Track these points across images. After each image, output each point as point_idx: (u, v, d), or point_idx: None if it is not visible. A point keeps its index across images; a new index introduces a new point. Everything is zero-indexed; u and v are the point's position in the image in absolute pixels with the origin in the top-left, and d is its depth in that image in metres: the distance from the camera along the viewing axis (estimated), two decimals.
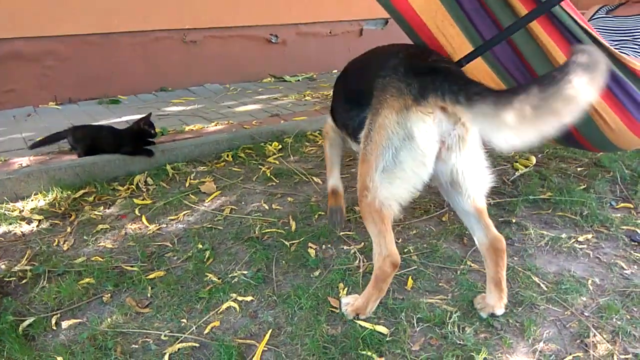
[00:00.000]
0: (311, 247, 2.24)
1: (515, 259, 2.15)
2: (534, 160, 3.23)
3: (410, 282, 1.96)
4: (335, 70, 6.09)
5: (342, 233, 2.36)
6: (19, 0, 3.90)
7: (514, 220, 2.45)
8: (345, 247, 2.24)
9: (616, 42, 2.57)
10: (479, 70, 2.01)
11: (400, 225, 2.43)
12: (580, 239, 2.29)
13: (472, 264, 2.10)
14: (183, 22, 4.80)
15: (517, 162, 3.22)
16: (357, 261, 2.11)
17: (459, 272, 2.05)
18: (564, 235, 2.31)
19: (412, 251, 2.19)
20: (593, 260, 2.13)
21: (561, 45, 1.73)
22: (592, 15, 2.92)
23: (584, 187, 2.84)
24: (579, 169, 3.12)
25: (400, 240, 2.31)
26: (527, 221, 2.47)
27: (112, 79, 4.53)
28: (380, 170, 1.59)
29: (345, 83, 2.12)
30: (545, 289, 1.92)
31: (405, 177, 1.58)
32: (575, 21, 1.63)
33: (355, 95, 1.86)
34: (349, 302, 1.81)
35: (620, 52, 1.80)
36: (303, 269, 2.09)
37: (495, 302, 1.75)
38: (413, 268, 2.06)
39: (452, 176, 1.65)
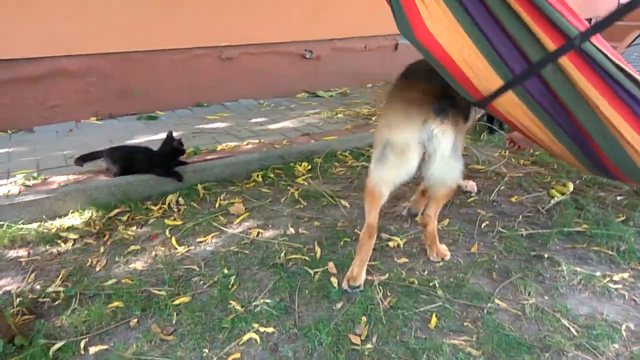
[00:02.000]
0: (334, 277, 2.23)
1: (546, 297, 2.08)
2: (571, 187, 3.12)
3: (434, 320, 1.93)
4: (370, 85, 6.08)
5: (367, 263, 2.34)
6: (62, 20, 4.07)
7: (546, 255, 2.37)
8: (369, 278, 2.22)
9: None
10: (511, 104, 1.96)
11: (427, 256, 2.40)
12: (616, 277, 2.19)
13: (500, 302, 2.04)
14: (220, 40, 4.91)
15: (553, 188, 3.12)
16: (381, 294, 2.09)
17: (485, 310, 1.99)
18: (598, 273, 2.21)
19: (437, 285, 2.15)
20: (628, 303, 2.04)
21: (593, 81, 1.67)
22: (633, 41, 2.81)
23: (622, 218, 2.72)
24: (618, 197, 3.00)
25: (426, 272, 2.27)
26: (560, 256, 2.38)
27: (151, 95, 4.67)
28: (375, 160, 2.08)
29: None
30: (575, 333, 1.85)
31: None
32: (607, 56, 1.57)
33: None
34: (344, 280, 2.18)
35: None
36: (325, 300, 2.08)
37: (429, 254, 2.39)
38: (438, 304, 2.03)
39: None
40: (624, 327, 1.88)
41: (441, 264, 2.33)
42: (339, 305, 2.05)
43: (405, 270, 2.28)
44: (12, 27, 3.90)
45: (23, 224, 2.67)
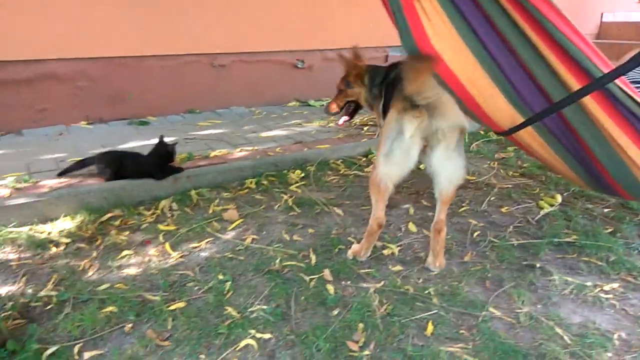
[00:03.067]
0: (329, 284, 2.24)
1: (539, 306, 2.11)
2: (559, 198, 3.18)
3: (430, 327, 1.94)
4: None
5: (362, 270, 2.35)
6: (53, 22, 4.05)
7: (538, 265, 2.41)
8: (364, 285, 2.23)
9: None
10: (530, 138, 2.00)
11: (421, 264, 2.42)
12: (606, 287, 2.24)
13: (495, 311, 2.06)
14: (213, 47, 4.92)
15: (542, 200, 3.18)
16: (377, 301, 2.10)
17: (480, 319, 2.01)
18: (589, 283, 2.26)
19: (432, 293, 2.17)
20: (619, 312, 2.08)
21: (615, 119, 1.71)
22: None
23: (610, 230, 2.78)
24: (605, 210, 3.07)
25: (420, 280, 2.29)
26: (551, 266, 2.42)
27: (142, 100, 4.65)
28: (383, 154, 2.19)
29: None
30: (569, 342, 1.88)
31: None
32: (629, 95, 1.61)
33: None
34: (351, 251, 2.47)
35: None
36: (322, 307, 2.09)
37: (434, 260, 2.39)
38: (433, 312, 2.04)
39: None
40: (615, 336, 1.92)
41: (436, 272, 2.36)
42: (335, 312, 2.05)
43: (400, 277, 2.30)
44: (2, 29, 3.86)
45: (13, 227, 2.63)
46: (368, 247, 2.43)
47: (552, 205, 3.11)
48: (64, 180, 3.00)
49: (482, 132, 4.61)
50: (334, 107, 3.18)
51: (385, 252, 2.53)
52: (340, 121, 3.26)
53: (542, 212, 3.01)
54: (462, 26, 1.62)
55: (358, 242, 2.59)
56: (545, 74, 1.69)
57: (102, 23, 4.25)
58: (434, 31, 1.65)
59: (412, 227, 2.81)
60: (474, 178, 3.57)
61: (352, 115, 3.25)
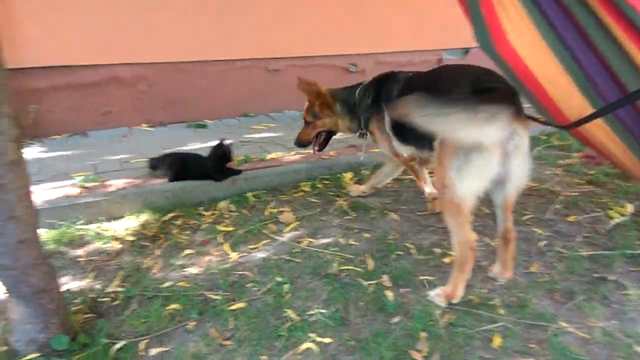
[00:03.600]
0: (388, 290, 2.20)
1: (614, 322, 1.99)
2: (630, 208, 3.00)
3: (497, 339, 1.86)
4: None
5: (422, 277, 2.30)
6: (118, 30, 4.22)
7: (611, 278, 2.27)
8: (425, 293, 2.18)
9: None
10: (599, 129, 1.89)
11: (483, 273, 2.33)
12: None
13: (565, 325, 1.96)
14: (267, 52, 4.99)
15: (611, 209, 3.01)
16: (439, 310, 2.04)
17: (550, 332, 1.92)
18: None
19: (498, 304, 2.08)
20: None
21: None
22: None
23: None
24: None
25: (484, 290, 2.21)
26: (625, 279, 2.28)
27: (199, 104, 4.77)
28: (456, 169, 1.94)
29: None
30: None
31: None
32: None
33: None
34: (438, 293, 2.10)
35: None
36: (381, 313, 2.05)
37: (503, 271, 2.26)
38: (500, 324, 1.96)
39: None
40: None
41: (501, 282, 2.26)
42: (395, 319, 2.01)
43: None
44: (72, 35, 4.07)
45: (82, 224, 2.75)
46: (463, 282, 2.05)
47: (622, 215, 2.93)
48: (129, 180, 3.11)
49: (543, 137, 4.43)
50: (304, 140, 3.12)
51: (446, 260, 2.45)
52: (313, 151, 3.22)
53: (612, 222, 2.84)
54: (540, 20, 1.55)
55: (416, 248, 2.54)
56: (621, 62, 1.59)
57: (163, 30, 4.40)
58: (512, 26, 1.59)
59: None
60: (536, 185, 3.42)
61: (323, 145, 3.18)
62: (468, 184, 1.93)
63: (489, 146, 1.85)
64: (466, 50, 6.24)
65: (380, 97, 2.75)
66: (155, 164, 3.22)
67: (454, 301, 2.05)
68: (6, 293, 1.76)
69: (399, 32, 5.72)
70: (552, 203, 3.13)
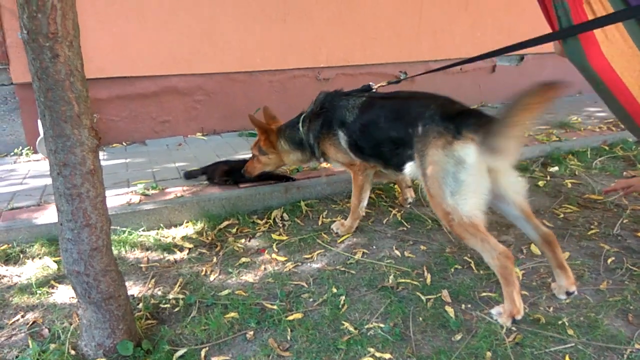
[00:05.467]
0: (448, 305, 2.14)
1: None
2: None
3: None
4: None
5: (483, 294, 2.22)
6: (177, 42, 4.36)
7: None
8: (488, 310, 2.10)
9: None
10: None
11: (550, 291, 2.23)
12: None
13: None
14: (319, 61, 5.02)
15: None
16: (504, 329, 1.96)
17: (626, 356, 1.80)
18: None
19: (566, 324, 1.98)
20: None
21: None
22: None
23: None
24: None
25: (551, 308, 2.11)
26: None
27: (252, 113, 4.84)
28: (450, 195, 1.96)
29: (380, 129, 2.41)
30: None
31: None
32: None
33: (397, 139, 2.30)
34: (499, 312, 2.02)
35: None
36: (442, 330, 1.99)
37: (566, 282, 2.13)
38: (570, 345, 1.86)
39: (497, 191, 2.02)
40: None
41: (568, 300, 2.15)
42: (458, 336, 1.94)
43: (527, 304, 2.13)
44: (134, 47, 4.23)
45: (143, 231, 2.83)
46: (517, 293, 1.96)
47: None
48: (186, 188, 3.19)
49: (605, 147, 4.22)
50: (249, 173, 3.08)
51: None
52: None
53: None
54: (635, 28, 1.48)
55: (475, 262, 2.47)
56: None
57: (219, 41, 4.51)
58: (605, 35, 1.52)
59: (534, 250, 2.60)
60: (601, 198, 3.25)
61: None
62: (469, 203, 1.94)
63: (473, 164, 1.91)
64: (521, 58, 6.05)
65: (332, 122, 2.69)
66: (195, 175, 3.33)
67: (518, 317, 1.97)
68: (77, 298, 1.83)
69: (451, 39, 5.63)
70: (620, 217, 2.96)
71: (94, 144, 1.51)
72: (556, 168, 3.81)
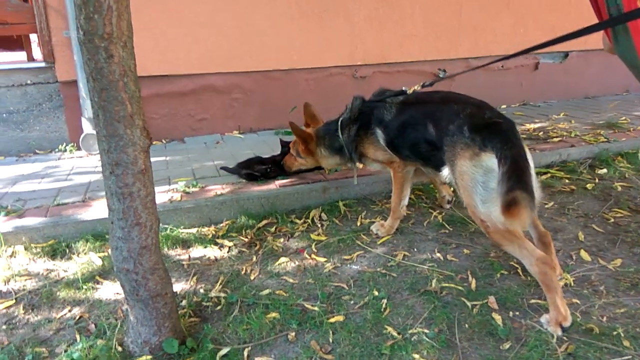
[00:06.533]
0: (496, 312, 2.07)
1: None
2: None
3: None
4: (504, 106, 5.76)
5: (532, 301, 2.14)
6: (215, 41, 4.40)
7: None
8: (537, 318, 2.02)
9: None
10: None
11: (602, 299, 2.13)
12: None
13: None
14: (356, 59, 4.98)
15: None
16: (555, 338, 1.88)
17: None
18: None
19: (622, 335, 1.88)
20: None
21: None
22: None
23: None
24: None
25: (605, 318, 2.02)
26: None
27: (288, 111, 4.84)
28: (481, 203, 2.00)
29: (417, 131, 2.45)
30: None
31: None
32: None
33: (432, 142, 2.34)
34: (547, 321, 1.96)
35: None
36: (490, 338, 1.93)
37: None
38: (627, 358, 1.77)
39: None
40: None
41: (623, 310, 2.06)
42: (507, 345, 1.88)
43: (579, 313, 2.04)
44: (175, 46, 4.29)
45: (184, 228, 2.86)
46: (561, 298, 1.93)
47: None
48: (226, 186, 3.21)
49: None
50: (288, 167, 3.24)
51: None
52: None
53: None
54: None
55: (522, 267, 2.39)
56: None
57: (256, 40, 4.53)
58: None
59: (584, 256, 2.50)
60: None
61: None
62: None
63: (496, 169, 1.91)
64: (566, 55, 5.85)
65: (370, 123, 2.70)
66: (233, 172, 3.41)
67: (565, 324, 1.91)
68: (124, 295, 1.85)
69: (493, 36, 5.50)
70: None
71: (146, 144, 1.52)
72: (605, 170, 3.66)
